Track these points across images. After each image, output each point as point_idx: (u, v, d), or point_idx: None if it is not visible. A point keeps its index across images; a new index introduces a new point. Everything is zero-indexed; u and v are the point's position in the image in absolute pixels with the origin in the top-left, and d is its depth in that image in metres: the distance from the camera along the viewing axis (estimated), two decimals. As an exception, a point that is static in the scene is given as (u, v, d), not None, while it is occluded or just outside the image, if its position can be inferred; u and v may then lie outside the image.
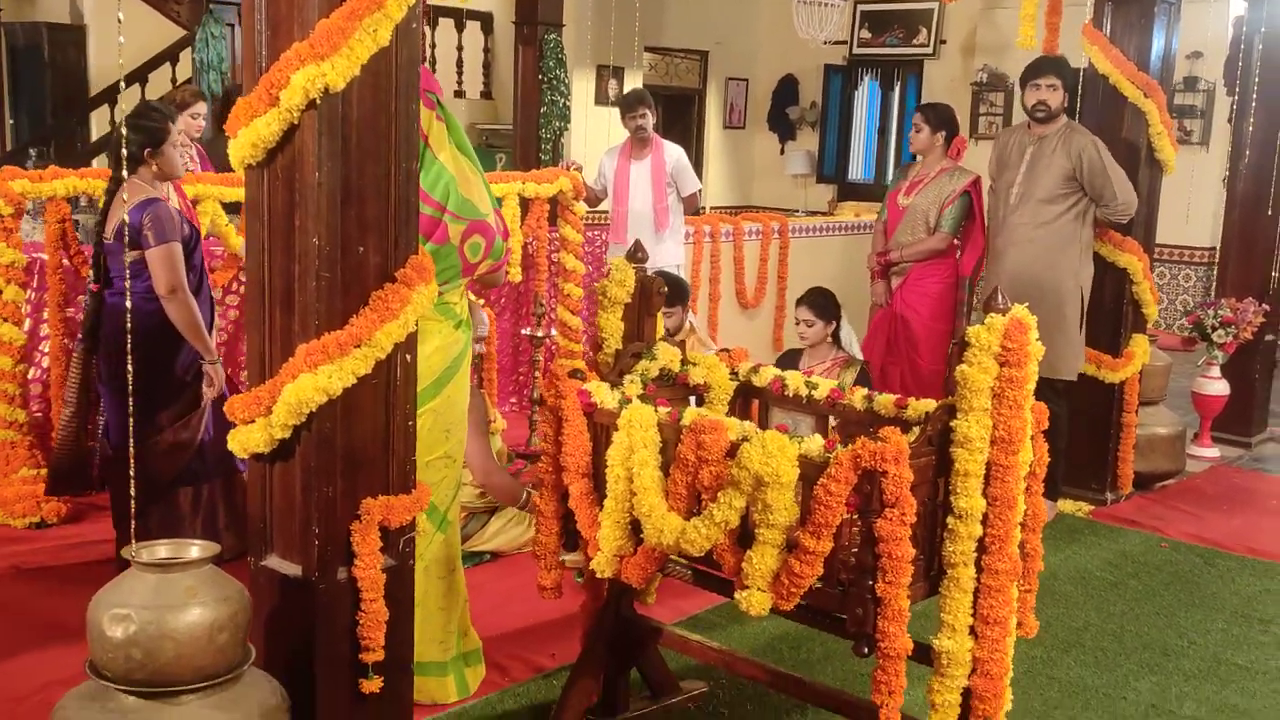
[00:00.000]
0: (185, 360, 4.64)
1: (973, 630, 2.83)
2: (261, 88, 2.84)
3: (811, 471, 2.78)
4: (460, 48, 13.09)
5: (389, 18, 2.83)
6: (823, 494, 2.68)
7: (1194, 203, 10.22)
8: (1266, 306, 7.13)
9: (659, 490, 2.99)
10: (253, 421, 2.98)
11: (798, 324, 5.86)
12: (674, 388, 3.51)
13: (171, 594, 2.72)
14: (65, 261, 5.38)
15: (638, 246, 3.50)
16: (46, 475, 5.05)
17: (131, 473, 3.07)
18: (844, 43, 13.76)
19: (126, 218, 4.48)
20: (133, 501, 3.16)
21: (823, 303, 5.81)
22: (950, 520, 2.77)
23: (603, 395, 3.22)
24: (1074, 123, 5.76)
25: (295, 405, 2.86)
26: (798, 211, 13.61)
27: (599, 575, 3.19)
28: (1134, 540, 5.57)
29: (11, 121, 12.34)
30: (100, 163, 11.42)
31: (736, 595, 2.85)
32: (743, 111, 14.84)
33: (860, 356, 6.09)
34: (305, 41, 2.77)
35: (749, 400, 3.60)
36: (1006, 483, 2.75)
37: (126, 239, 4.43)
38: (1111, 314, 6.04)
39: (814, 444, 2.81)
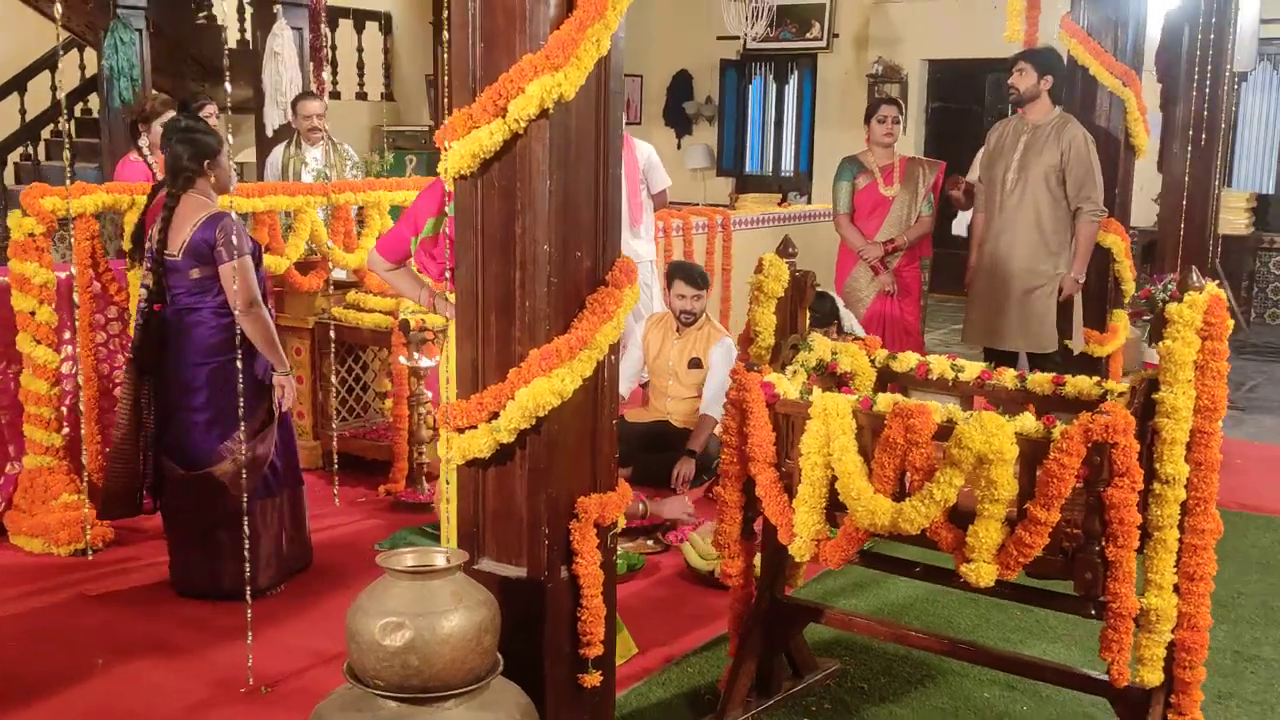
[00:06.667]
0: (259, 372, 4.60)
1: (1175, 588, 3.05)
2: (487, 99, 2.89)
3: (1027, 447, 2.97)
4: (360, 49, 12.95)
5: (608, 27, 2.91)
6: (1055, 467, 2.86)
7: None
8: (1210, 279, 7.61)
9: (863, 474, 3.13)
10: (473, 428, 3.02)
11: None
12: (824, 377, 3.66)
13: (437, 600, 2.76)
14: (94, 281, 5.24)
15: (788, 242, 3.63)
16: (100, 500, 4.91)
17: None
18: (737, 37, 14.06)
19: (189, 234, 4.44)
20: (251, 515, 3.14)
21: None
22: (1156, 486, 2.98)
23: (784, 387, 3.35)
24: (1069, 115, 6.09)
25: (531, 409, 2.92)
26: (698, 204, 13.86)
27: (798, 560, 3.32)
28: (1142, 503, 5.94)
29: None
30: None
31: (962, 568, 3.01)
32: (639, 107, 15.02)
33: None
34: (540, 53, 2.83)
35: (885, 386, 3.77)
36: (1209, 448, 2.98)
37: (176, 254, 4.43)
38: (1097, 292, 6.41)
39: (1028, 421, 2.99)
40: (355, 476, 6.15)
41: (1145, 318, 8.07)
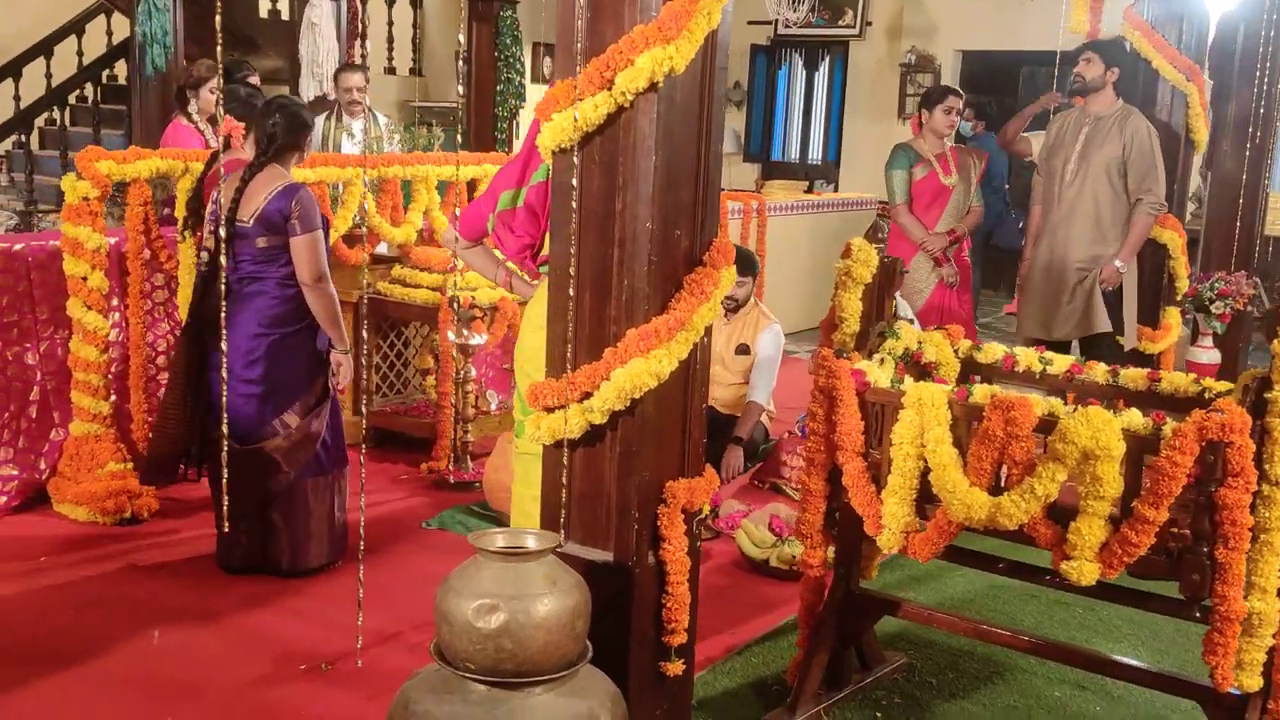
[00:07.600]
0: (318, 348, 4.53)
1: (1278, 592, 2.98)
2: (593, 70, 2.80)
3: (1133, 444, 2.90)
4: (390, 23, 12.86)
5: (719, 0, 2.83)
6: (1167, 465, 2.78)
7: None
8: (1256, 279, 7.53)
9: (959, 467, 3.06)
10: (563, 407, 2.94)
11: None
12: (910, 366, 3.58)
13: (532, 583, 2.68)
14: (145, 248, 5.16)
15: (877, 227, 3.55)
16: (145, 464, 4.83)
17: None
18: (769, 22, 13.93)
19: (263, 202, 4.37)
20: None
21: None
22: (1265, 487, 2.90)
23: (875, 375, 3.28)
24: (1132, 107, 6.00)
25: (627, 390, 2.84)
26: (723, 189, 13.77)
27: (885, 551, 3.25)
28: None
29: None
30: None
31: (1063, 566, 2.94)
32: (667, 90, 14.89)
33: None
34: (652, 24, 2.75)
35: (968, 377, 3.69)
36: (1322, 450, 2.90)
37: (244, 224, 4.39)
38: (1151, 287, 6.32)
39: (1135, 417, 2.92)
40: (395, 453, 6.09)
41: (1188, 316, 7.98)
